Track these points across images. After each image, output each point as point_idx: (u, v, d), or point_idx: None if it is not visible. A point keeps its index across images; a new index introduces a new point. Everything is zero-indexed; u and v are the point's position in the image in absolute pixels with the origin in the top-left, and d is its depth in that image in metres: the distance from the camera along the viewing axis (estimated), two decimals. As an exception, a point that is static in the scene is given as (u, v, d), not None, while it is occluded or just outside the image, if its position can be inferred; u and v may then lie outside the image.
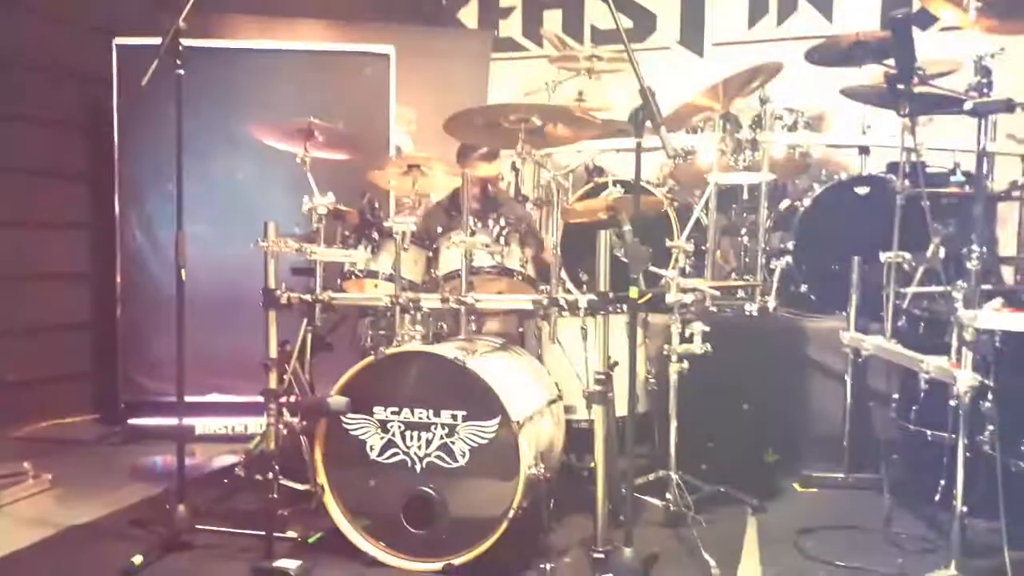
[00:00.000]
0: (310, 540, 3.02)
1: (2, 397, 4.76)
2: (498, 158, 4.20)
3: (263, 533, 2.90)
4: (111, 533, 3.21)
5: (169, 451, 4.12)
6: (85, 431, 4.83)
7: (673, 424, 3.29)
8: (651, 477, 3.46)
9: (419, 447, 2.90)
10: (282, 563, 2.82)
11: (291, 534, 3.04)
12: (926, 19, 4.58)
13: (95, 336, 5.28)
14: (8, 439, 4.56)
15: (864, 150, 4.76)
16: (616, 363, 2.87)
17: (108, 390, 4.96)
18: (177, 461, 3.14)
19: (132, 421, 4.73)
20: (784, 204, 4.74)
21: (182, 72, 3.04)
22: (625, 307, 2.90)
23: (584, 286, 3.14)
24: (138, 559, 2.84)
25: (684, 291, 3.21)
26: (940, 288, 3.24)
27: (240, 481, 3.51)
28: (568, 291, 3.34)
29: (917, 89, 2.92)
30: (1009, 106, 2.59)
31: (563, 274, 3.64)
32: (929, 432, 3.19)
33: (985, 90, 2.69)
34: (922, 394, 3.08)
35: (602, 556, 2.82)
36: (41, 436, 4.70)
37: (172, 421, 3.28)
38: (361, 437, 2.97)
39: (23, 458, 3.83)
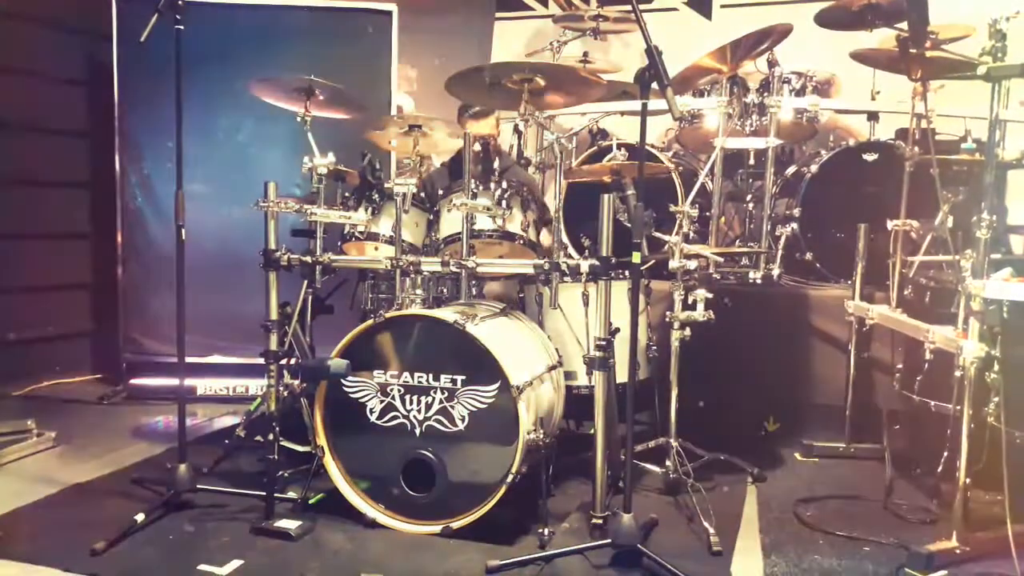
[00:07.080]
0: (311, 501, 3.04)
1: (4, 356, 4.79)
2: (491, 115, 4.13)
3: (264, 494, 2.91)
4: (113, 491, 3.24)
5: (170, 411, 4.15)
6: (87, 390, 4.86)
7: (674, 391, 3.28)
8: (651, 444, 3.46)
9: (418, 411, 2.90)
10: (282, 523, 2.85)
11: (291, 495, 3.08)
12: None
13: (96, 296, 5.30)
14: (11, 397, 4.58)
15: (873, 116, 4.68)
16: (617, 329, 2.85)
17: (109, 350, 4.98)
18: (178, 421, 3.14)
19: (133, 381, 4.76)
20: (791, 170, 4.68)
21: (181, 27, 2.98)
22: (627, 273, 2.87)
23: (586, 251, 3.11)
24: (140, 517, 2.86)
25: (688, 257, 3.17)
26: (948, 257, 3.21)
27: (241, 442, 3.54)
28: (570, 256, 3.31)
29: (929, 53, 2.86)
30: (1024, 71, 2.53)
31: (565, 238, 3.60)
32: (933, 403, 3.18)
33: (999, 55, 2.62)
34: (926, 364, 3.06)
35: (601, 521, 2.84)
36: (43, 395, 4.73)
37: (173, 381, 3.29)
38: (361, 400, 2.97)
39: (26, 416, 3.85)
